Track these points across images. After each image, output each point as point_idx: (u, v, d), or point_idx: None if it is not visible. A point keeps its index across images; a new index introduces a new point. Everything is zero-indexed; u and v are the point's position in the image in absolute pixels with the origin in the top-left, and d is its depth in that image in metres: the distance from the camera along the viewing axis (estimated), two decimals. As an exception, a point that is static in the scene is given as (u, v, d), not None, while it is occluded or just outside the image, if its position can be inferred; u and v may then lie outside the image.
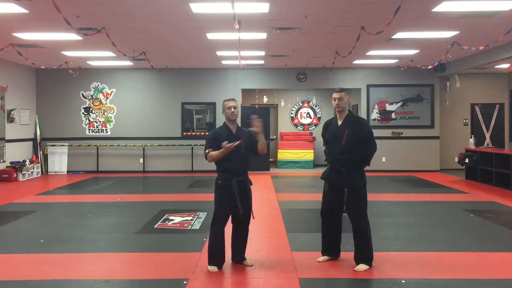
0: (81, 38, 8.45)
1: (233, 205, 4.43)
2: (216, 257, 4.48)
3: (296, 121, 15.55)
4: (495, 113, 13.89)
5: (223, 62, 12.06)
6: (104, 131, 13.31)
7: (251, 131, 4.60)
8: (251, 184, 4.61)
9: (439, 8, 6.66)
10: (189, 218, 6.84)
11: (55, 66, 11.75)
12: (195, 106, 13.49)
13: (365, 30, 7.55)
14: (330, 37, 8.75)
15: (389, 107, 13.37)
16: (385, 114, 13.37)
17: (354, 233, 4.52)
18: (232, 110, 4.51)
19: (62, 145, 13.16)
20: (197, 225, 6.36)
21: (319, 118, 15.48)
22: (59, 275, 4.34)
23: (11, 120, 11.84)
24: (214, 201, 4.53)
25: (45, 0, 5.94)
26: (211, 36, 8.57)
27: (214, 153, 4.43)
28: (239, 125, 4.71)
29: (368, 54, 10.77)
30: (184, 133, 13.32)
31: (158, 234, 6.00)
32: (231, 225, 4.63)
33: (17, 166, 11.54)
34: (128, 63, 11.96)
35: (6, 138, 11.66)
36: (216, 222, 4.48)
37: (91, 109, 13.30)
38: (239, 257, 4.63)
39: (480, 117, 13.92)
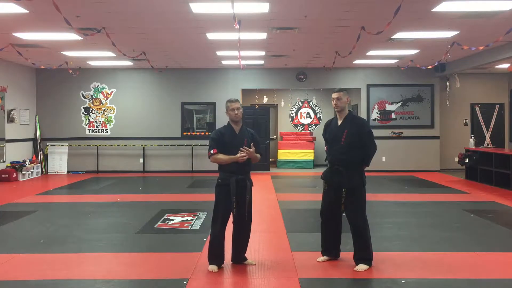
0: (81, 38, 8.45)
1: (231, 205, 4.42)
2: (215, 256, 4.48)
3: (296, 121, 15.55)
4: (495, 113, 13.89)
5: (223, 62, 12.06)
6: (104, 131, 13.31)
7: (254, 133, 4.66)
8: (252, 184, 4.59)
9: (439, 8, 6.66)
10: (189, 218, 6.84)
11: (55, 66, 11.75)
12: (195, 106, 13.49)
13: (365, 30, 7.55)
14: (330, 37, 8.74)
15: (389, 107, 13.36)
16: (385, 114, 13.37)
17: (353, 233, 4.52)
18: (236, 112, 4.53)
19: (62, 145, 13.16)
20: (197, 225, 6.36)
21: (319, 118, 15.48)
22: (59, 275, 4.34)
23: (11, 120, 11.84)
24: (215, 200, 4.54)
25: (45, 0, 5.94)
26: (211, 36, 8.56)
27: (222, 157, 4.40)
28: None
29: (368, 54, 10.77)
30: (184, 133, 13.32)
31: (158, 234, 6.00)
32: (232, 225, 4.62)
33: (17, 166, 11.54)
34: (128, 63, 11.96)
35: (6, 138, 11.66)
36: (216, 221, 4.49)
37: (91, 109, 13.30)
38: (239, 258, 4.62)
39: (480, 117, 13.92)
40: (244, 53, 10.16)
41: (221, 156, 4.43)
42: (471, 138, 12.05)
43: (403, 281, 4.12)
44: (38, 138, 13.00)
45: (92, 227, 6.40)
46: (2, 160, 11.48)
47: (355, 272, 4.36)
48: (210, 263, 4.47)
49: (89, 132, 13.31)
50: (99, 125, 13.30)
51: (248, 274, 4.38)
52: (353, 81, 13.38)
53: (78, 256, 4.98)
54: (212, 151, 4.46)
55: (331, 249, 4.70)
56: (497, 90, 13.92)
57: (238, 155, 4.35)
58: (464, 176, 11.63)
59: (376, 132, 4.93)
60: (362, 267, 4.41)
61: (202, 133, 13.27)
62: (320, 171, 5.40)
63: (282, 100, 15.35)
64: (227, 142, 4.47)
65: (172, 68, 13.04)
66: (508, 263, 4.73)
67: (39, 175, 12.48)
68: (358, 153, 4.49)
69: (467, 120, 14.00)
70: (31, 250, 5.21)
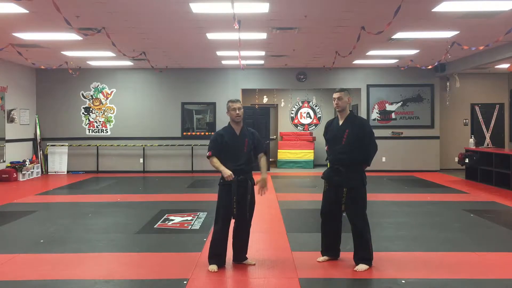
0: (81, 38, 8.45)
1: (232, 205, 4.44)
2: (215, 256, 4.48)
3: (296, 121, 15.55)
4: (495, 113, 13.89)
5: (223, 62, 12.05)
6: (104, 131, 13.31)
7: (255, 132, 4.67)
8: (254, 184, 4.60)
9: (439, 8, 6.66)
10: (189, 218, 6.84)
11: (55, 66, 11.74)
12: (195, 106, 13.49)
13: (365, 30, 7.56)
14: (330, 37, 8.75)
15: (389, 107, 13.36)
16: (385, 114, 13.37)
17: (353, 233, 4.52)
18: (237, 112, 4.55)
19: (62, 145, 13.16)
20: (197, 225, 6.36)
21: (319, 118, 15.48)
22: (59, 275, 4.34)
23: (11, 120, 11.84)
24: (217, 199, 4.57)
25: (45, 0, 5.94)
26: (211, 36, 8.56)
27: (215, 163, 4.49)
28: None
29: (368, 54, 10.77)
30: (184, 133, 13.32)
31: (158, 234, 6.00)
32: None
33: (17, 166, 11.54)
34: (128, 63, 11.96)
35: (6, 138, 11.65)
36: (218, 220, 4.51)
37: (91, 109, 13.30)
38: (239, 257, 4.63)
39: (480, 117, 13.92)
40: (244, 53, 10.15)
41: (214, 162, 4.50)
42: (471, 138, 12.06)
43: (403, 281, 4.12)
44: (38, 138, 13.00)
45: (92, 227, 6.39)
46: (2, 160, 11.48)
47: (355, 272, 4.36)
48: (210, 263, 4.47)
49: (89, 132, 13.31)
50: (99, 125, 13.30)
51: (248, 274, 4.38)
52: (353, 81, 13.37)
53: (78, 256, 4.98)
54: (208, 154, 4.54)
55: (331, 249, 4.70)
56: (497, 90, 13.92)
57: (227, 173, 4.37)
58: (464, 176, 11.63)
59: (376, 132, 4.93)
60: (362, 267, 4.41)
61: (202, 133, 13.27)
62: (320, 171, 5.41)
63: (282, 100, 15.35)
64: (228, 143, 4.49)
65: (172, 68, 13.04)
66: (508, 263, 4.73)
67: (39, 175, 12.48)
68: (358, 153, 4.49)
69: (467, 120, 14.00)
70: (31, 250, 5.21)
